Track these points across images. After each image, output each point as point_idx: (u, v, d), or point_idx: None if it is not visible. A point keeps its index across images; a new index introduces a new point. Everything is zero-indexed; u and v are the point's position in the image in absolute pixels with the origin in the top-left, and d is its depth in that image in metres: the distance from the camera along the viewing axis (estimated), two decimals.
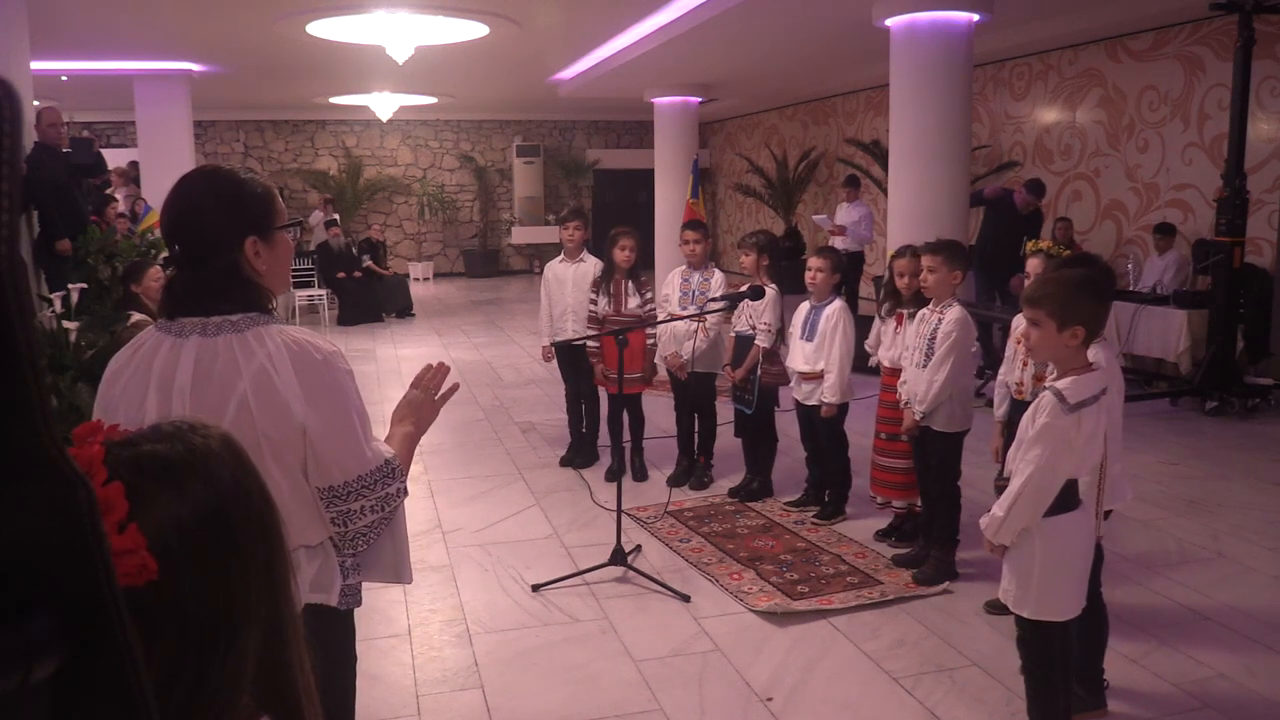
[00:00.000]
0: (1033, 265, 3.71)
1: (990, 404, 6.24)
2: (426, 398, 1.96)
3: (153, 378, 1.68)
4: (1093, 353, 2.74)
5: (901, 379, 4.22)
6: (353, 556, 1.88)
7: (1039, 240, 4.15)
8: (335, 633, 1.85)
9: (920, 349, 4.07)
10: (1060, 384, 2.62)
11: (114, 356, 1.77)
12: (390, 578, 1.95)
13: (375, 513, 1.76)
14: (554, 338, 5.81)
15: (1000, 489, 2.79)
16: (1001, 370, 3.95)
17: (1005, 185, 9.34)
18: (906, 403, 4.16)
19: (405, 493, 1.84)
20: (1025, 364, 3.70)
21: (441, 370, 1.99)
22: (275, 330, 1.69)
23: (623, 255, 5.44)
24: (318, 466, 1.71)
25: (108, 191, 9.95)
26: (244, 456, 0.83)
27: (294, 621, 0.83)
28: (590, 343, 5.44)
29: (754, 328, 4.96)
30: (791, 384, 4.89)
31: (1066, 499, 2.66)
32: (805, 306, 4.84)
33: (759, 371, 4.97)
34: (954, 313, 4.00)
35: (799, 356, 4.79)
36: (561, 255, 5.85)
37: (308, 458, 1.70)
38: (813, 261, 4.79)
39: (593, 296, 5.57)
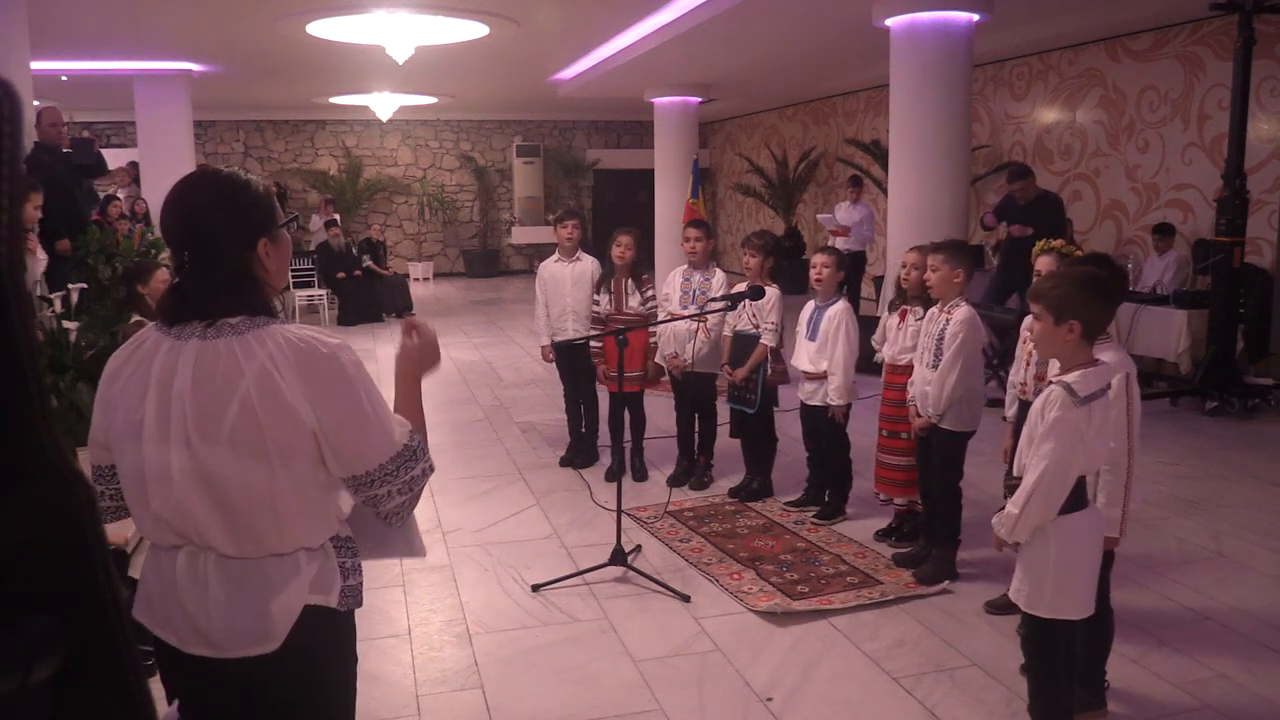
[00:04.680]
0: (1042, 263, 3.69)
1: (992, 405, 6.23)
2: (422, 340, 1.92)
3: (152, 378, 1.67)
4: (1107, 356, 2.74)
5: (911, 379, 4.22)
6: (353, 558, 1.87)
7: (1051, 239, 4.07)
8: (336, 634, 1.84)
9: (929, 349, 4.07)
10: (1069, 378, 2.62)
11: (114, 354, 1.77)
12: (405, 553, 1.97)
13: (403, 495, 1.78)
14: (553, 337, 5.82)
15: (1010, 488, 2.78)
16: (1011, 371, 3.95)
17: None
18: (912, 399, 4.16)
19: (431, 469, 1.84)
20: (1028, 364, 3.70)
21: (421, 324, 1.96)
22: (275, 330, 1.69)
23: (617, 253, 5.47)
24: (338, 459, 1.71)
25: (111, 190, 9.95)
26: None
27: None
28: (594, 342, 5.46)
29: (757, 326, 4.96)
30: (797, 383, 4.89)
31: (1076, 497, 2.66)
32: (810, 306, 4.84)
33: (768, 369, 4.97)
34: (961, 313, 3.99)
35: (803, 356, 4.80)
36: (556, 255, 5.86)
37: (326, 452, 1.70)
38: (817, 259, 4.80)
39: (596, 296, 5.60)
